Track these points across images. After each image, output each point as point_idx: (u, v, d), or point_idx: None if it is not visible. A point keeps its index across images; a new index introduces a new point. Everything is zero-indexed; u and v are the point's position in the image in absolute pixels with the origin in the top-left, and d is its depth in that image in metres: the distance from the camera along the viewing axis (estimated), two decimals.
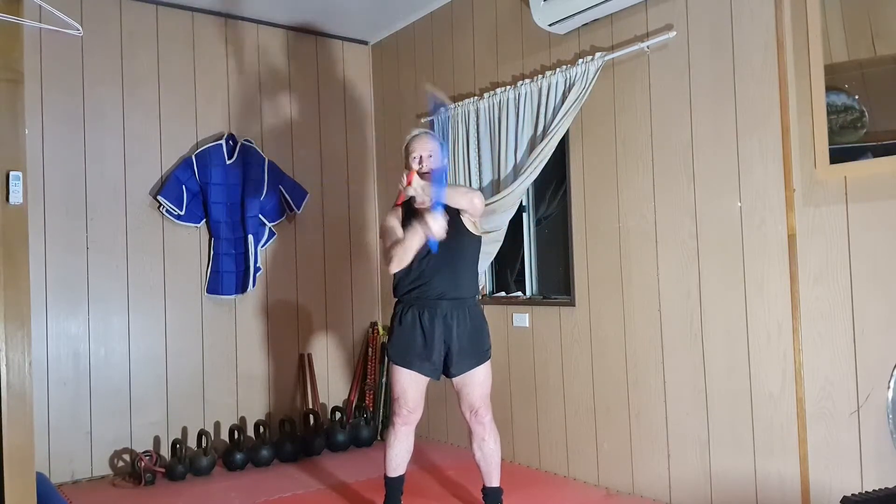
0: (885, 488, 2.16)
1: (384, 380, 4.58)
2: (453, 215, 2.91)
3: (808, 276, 2.67)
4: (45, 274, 3.80)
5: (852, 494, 2.08)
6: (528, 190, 3.88)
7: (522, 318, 3.88)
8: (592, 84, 3.35)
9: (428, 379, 2.96)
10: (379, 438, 4.51)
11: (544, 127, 3.53)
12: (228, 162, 4.31)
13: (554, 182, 3.81)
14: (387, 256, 2.91)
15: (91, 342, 3.94)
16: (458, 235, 2.90)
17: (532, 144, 3.60)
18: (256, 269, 4.33)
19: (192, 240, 4.27)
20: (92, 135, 3.99)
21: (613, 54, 3.31)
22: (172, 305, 4.19)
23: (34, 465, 2.47)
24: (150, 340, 4.11)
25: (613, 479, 3.40)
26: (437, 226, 2.71)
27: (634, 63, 3.27)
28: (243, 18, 4.50)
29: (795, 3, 2.68)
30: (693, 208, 3.04)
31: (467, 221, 2.93)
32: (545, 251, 3.95)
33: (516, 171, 3.65)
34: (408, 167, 2.96)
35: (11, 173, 2.41)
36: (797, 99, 2.68)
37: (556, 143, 3.48)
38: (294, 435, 4.25)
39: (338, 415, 4.52)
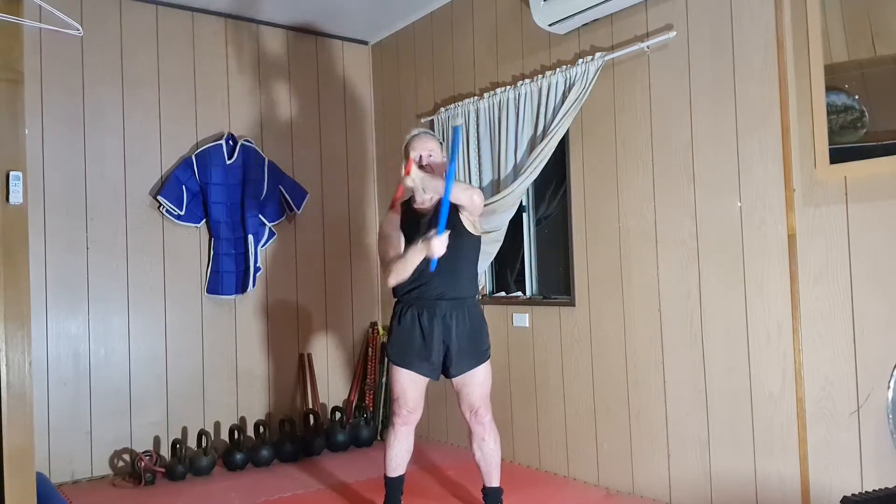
0: (885, 488, 2.16)
1: (384, 380, 4.58)
2: (453, 215, 2.90)
3: (808, 276, 2.67)
4: (45, 274, 3.80)
5: (852, 494, 2.08)
6: (528, 190, 3.89)
7: (522, 318, 3.88)
8: (592, 84, 3.36)
9: (428, 379, 2.96)
10: (379, 438, 4.51)
11: (544, 127, 3.53)
12: (228, 162, 4.31)
13: (554, 182, 3.81)
14: (385, 270, 2.93)
15: (91, 342, 3.94)
16: (458, 235, 2.90)
17: (532, 144, 3.60)
18: (256, 269, 4.33)
19: (192, 240, 4.27)
20: (92, 135, 3.99)
21: (613, 54, 3.31)
22: (172, 305, 4.19)
23: (34, 465, 2.47)
24: (150, 340, 4.11)
25: (613, 479, 3.40)
26: (439, 248, 2.72)
27: (634, 63, 3.27)
28: (243, 18, 4.50)
29: (795, 3, 2.68)
30: (693, 208, 3.04)
31: (466, 221, 2.92)
32: (545, 251, 3.95)
33: (516, 171, 3.65)
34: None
35: (11, 173, 2.41)
36: (797, 99, 2.68)
37: (556, 143, 3.48)
38: (294, 435, 4.25)
39: (338, 415, 4.52)
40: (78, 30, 2.79)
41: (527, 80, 3.65)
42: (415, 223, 2.92)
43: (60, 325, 3.86)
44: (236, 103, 4.47)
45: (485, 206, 3.08)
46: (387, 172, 4.89)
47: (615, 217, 3.37)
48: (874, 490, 2.14)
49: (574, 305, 3.58)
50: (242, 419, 4.38)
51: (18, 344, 2.41)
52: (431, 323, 2.89)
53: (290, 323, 4.62)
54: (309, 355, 4.64)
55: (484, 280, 4.14)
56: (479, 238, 3.02)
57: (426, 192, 2.88)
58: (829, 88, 2.57)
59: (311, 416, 4.38)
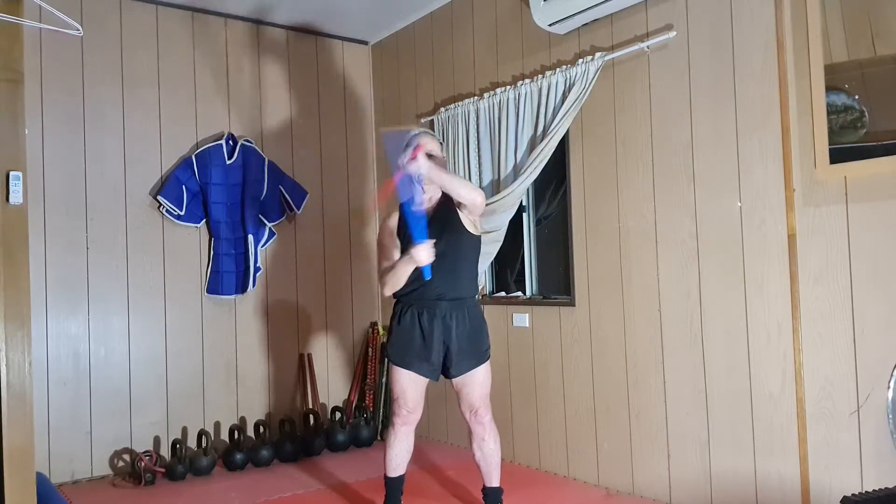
0: (885, 488, 2.16)
1: (384, 380, 4.58)
2: (453, 215, 2.91)
3: (808, 276, 2.67)
4: (45, 274, 3.80)
5: (852, 494, 2.08)
6: (528, 190, 3.88)
7: (522, 318, 3.88)
8: (592, 84, 3.35)
9: (428, 379, 2.96)
10: (379, 438, 4.51)
11: (544, 127, 3.53)
12: (228, 162, 4.31)
13: (554, 182, 3.81)
14: (380, 280, 2.97)
15: (91, 342, 3.94)
16: (458, 235, 2.90)
17: (532, 144, 3.60)
18: (256, 269, 4.33)
19: (192, 240, 4.27)
20: (92, 135, 3.99)
21: (613, 54, 3.31)
22: (172, 305, 4.19)
23: (34, 465, 2.47)
24: (150, 340, 4.11)
25: (613, 479, 3.40)
26: (423, 255, 2.73)
27: (634, 63, 3.27)
28: (243, 18, 4.50)
29: (795, 3, 2.68)
30: (693, 208, 3.04)
31: (466, 221, 2.92)
32: (545, 251, 3.95)
33: (516, 171, 3.65)
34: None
35: (11, 173, 2.41)
36: (797, 99, 2.68)
37: (556, 143, 3.48)
38: (294, 435, 4.25)
39: (338, 415, 4.52)
40: (78, 30, 2.79)
41: (527, 80, 3.65)
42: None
43: (60, 325, 3.86)
44: (236, 103, 4.47)
45: (485, 206, 3.08)
46: (387, 172, 4.88)
47: (615, 217, 3.37)
48: (874, 490, 2.14)
49: (574, 305, 3.58)
50: (242, 419, 4.38)
51: (18, 344, 2.41)
52: (431, 323, 2.89)
53: (290, 323, 4.62)
54: (309, 355, 4.64)
55: (484, 280, 4.14)
56: (479, 238, 3.02)
57: (433, 180, 2.80)
58: (829, 88, 2.57)
59: (311, 416, 4.38)
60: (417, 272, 2.81)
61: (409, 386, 2.93)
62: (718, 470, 2.97)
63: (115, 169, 4.05)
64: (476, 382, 2.95)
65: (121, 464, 3.98)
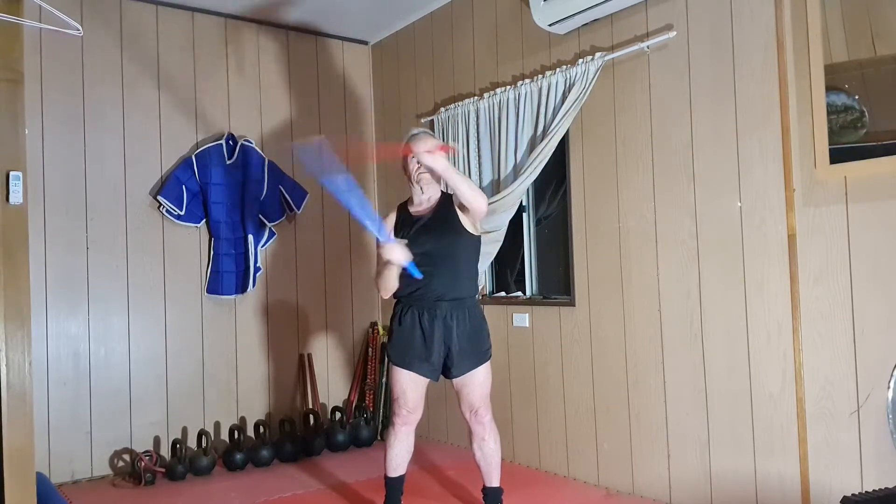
0: (885, 488, 2.16)
1: (384, 380, 4.58)
2: (452, 215, 2.91)
3: (808, 276, 2.67)
4: (45, 274, 3.80)
5: (852, 494, 2.08)
6: (528, 190, 3.88)
7: (522, 318, 3.88)
8: (592, 84, 3.35)
9: (428, 379, 2.96)
10: (379, 438, 4.51)
11: (544, 127, 3.53)
12: (228, 162, 4.31)
13: (554, 182, 3.81)
14: (375, 283, 2.97)
15: (91, 342, 3.94)
16: (457, 235, 2.90)
17: (532, 144, 3.60)
18: (256, 269, 4.33)
19: (192, 240, 4.27)
20: (92, 135, 3.99)
21: (613, 54, 3.31)
22: (172, 305, 4.19)
23: (34, 465, 2.47)
24: (150, 340, 4.11)
25: (613, 479, 3.40)
26: (395, 254, 2.73)
27: (634, 63, 3.27)
28: (243, 18, 4.50)
29: (795, 3, 2.68)
30: (693, 208, 3.04)
31: (466, 221, 2.92)
32: (545, 251, 3.95)
33: (516, 171, 3.65)
34: (405, 166, 2.95)
35: (11, 173, 2.41)
36: (797, 99, 2.68)
37: (556, 143, 3.48)
38: (294, 435, 4.25)
39: (338, 415, 4.52)
40: (78, 30, 2.79)
41: (527, 80, 3.65)
42: (409, 226, 2.92)
43: (60, 325, 3.86)
44: (236, 103, 4.47)
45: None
46: (387, 172, 4.88)
47: (615, 217, 3.37)
48: (874, 490, 2.14)
49: (574, 305, 3.58)
50: (242, 419, 4.38)
51: (18, 344, 2.41)
52: (432, 324, 2.89)
53: (290, 323, 4.62)
54: (309, 355, 4.64)
55: (484, 280, 4.14)
56: (478, 238, 3.02)
57: (446, 178, 2.80)
58: (829, 88, 2.57)
59: (311, 416, 4.38)
60: (405, 275, 2.81)
61: (410, 386, 2.93)
62: (718, 470, 2.97)
63: (115, 169, 4.05)
64: (476, 382, 2.95)
65: (121, 464, 3.98)
